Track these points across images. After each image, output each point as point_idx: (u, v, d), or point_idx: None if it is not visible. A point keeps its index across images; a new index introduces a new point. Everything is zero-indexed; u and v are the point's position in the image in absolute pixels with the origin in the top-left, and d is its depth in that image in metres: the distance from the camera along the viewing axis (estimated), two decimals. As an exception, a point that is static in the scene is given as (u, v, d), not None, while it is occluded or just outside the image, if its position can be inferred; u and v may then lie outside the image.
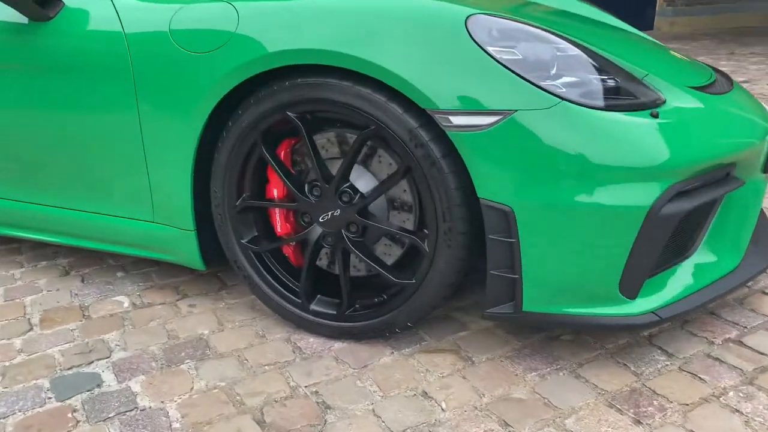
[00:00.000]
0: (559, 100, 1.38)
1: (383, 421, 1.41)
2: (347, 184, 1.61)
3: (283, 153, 1.68)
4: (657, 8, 9.42)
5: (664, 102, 1.51)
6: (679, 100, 1.56)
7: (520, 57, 1.43)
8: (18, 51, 1.82)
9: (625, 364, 1.59)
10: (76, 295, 2.02)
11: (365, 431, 1.38)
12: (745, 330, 1.73)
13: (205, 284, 2.06)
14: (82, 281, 2.11)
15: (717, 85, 1.79)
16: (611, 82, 1.48)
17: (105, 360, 1.67)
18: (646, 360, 1.61)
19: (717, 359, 1.60)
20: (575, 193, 1.39)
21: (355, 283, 1.73)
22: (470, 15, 1.44)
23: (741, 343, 1.67)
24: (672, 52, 2.04)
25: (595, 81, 1.46)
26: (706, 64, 2.04)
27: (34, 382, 1.58)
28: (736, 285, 1.65)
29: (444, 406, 1.46)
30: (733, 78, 1.99)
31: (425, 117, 1.45)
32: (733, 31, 9.69)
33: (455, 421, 1.41)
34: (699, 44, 8.14)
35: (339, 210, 1.62)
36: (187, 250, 1.83)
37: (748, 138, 1.61)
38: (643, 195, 1.40)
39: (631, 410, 1.43)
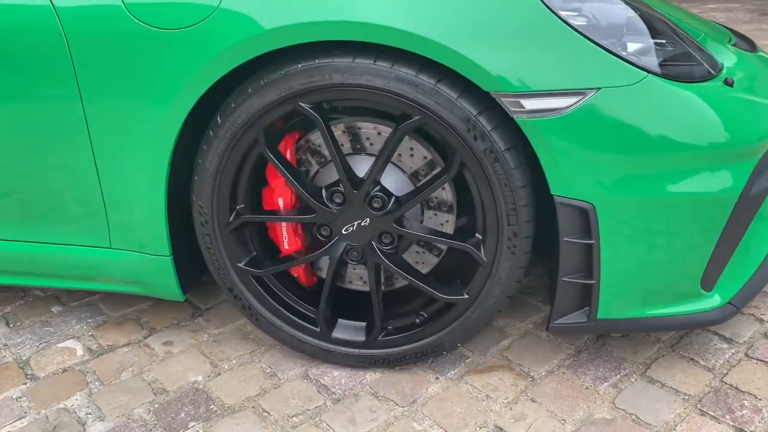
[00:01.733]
0: (646, 73, 1.16)
1: (469, 476, 1.17)
2: (378, 188, 1.31)
3: (288, 153, 1.34)
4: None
5: (723, 68, 1.33)
6: (733, 63, 1.39)
7: (594, 22, 1.18)
8: None
9: (691, 359, 1.45)
10: (6, 345, 1.58)
11: (454, 493, 1.14)
12: (786, 301, 1.64)
13: (172, 311, 1.69)
14: (8, 325, 1.66)
15: (739, 44, 1.64)
16: (681, 50, 1.28)
17: (80, 439, 1.29)
18: (710, 350, 1.47)
19: (777, 340, 1.50)
20: (666, 182, 1.18)
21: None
22: (533, -28, 1.17)
23: (790, 317, 1.58)
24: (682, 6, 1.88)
25: (669, 48, 1.25)
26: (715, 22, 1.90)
27: (-10, 487, 1.19)
28: (786, 257, 1.54)
29: (529, 443, 1.24)
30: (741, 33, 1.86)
31: (486, 101, 1.17)
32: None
33: (550, 461, 1.20)
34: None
35: (369, 219, 1.32)
36: (160, 279, 1.45)
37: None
38: (735, 177, 1.22)
39: (727, 416, 1.29)
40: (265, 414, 1.33)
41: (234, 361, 1.49)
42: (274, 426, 1.30)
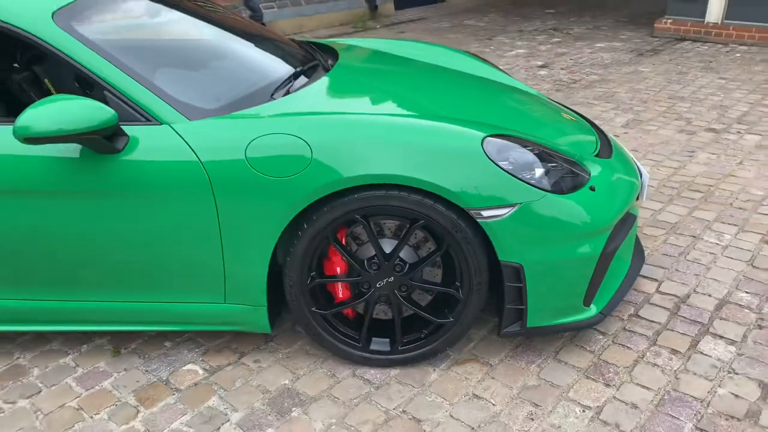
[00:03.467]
0: (544, 193, 2.12)
1: (463, 422, 2.10)
2: (398, 259, 2.21)
3: (344, 240, 2.22)
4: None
5: (590, 176, 2.32)
6: (597, 172, 2.38)
7: (515, 164, 2.13)
8: (89, 179, 2.09)
9: (582, 346, 2.44)
10: (147, 371, 2.37)
11: (456, 431, 2.06)
12: (637, 305, 2.66)
13: (250, 340, 2.52)
14: (140, 357, 2.45)
15: (603, 148, 2.63)
16: (566, 171, 2.25)
17: (228, 423, 2.12)
18: (591, 340, 2.47)
19: (630, 331, 2.51)
20: (561, 250, 2.15)
21: (390, 323, 2.34)
22: (484, 137, 2.11)
23: (638, 316, 2.60)
24: (563, 114, 2.87)
25: (558, 170, 2.22)
26: (585, 119, 2.89)
27: (186, 453, 2.00)
28: (634, 278, 2.55)
29: (493, 401, 2.18)
30: (603, 129, 2.86)
31: (461, 212, 2.10)
32: (510, 1, 11.22)
33: (506, 410, 2.14)
34: (491, 21, 9.44)
35: (393, 277, 2.22)
36: (258, 321, 2.30)
37: (632, 190, 2.47)
38: (598, 243, 2.21)
39: (600, 378, 2.27)
40: (336, 399, 2.21)
41: (305, 369, 2.35)
42: (344, 405, 2.18)
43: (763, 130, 4.59)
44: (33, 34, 2.12)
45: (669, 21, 7.91)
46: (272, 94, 2.36)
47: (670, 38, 7.85)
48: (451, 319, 2.27)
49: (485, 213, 2.08)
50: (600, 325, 2.55)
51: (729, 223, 3.27)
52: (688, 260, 2.96)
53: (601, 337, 2.49)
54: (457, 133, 2.13)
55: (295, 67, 2.64)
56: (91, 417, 2.16)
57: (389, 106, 2.41)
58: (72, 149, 2.09)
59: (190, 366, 2.39)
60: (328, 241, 2.19)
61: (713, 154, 4.20)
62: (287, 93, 2.41)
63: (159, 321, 2.35)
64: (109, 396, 2.25)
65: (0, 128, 2.12)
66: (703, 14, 7.66)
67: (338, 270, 2.27)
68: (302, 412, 2.16)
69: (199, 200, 2.10)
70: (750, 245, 3.06)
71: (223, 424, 2.12)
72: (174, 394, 2.25)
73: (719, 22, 7.57)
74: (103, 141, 2.02)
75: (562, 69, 6.57)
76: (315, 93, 2.45)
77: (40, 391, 2.28)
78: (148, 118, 2.12)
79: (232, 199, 2.10)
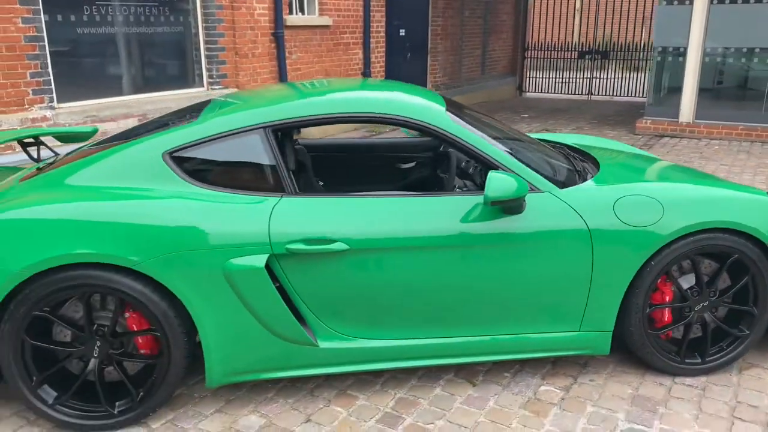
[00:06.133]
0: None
1: (787, 403, 2.79)
2: (714, 287, 2.94)
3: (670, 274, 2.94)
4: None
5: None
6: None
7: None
8: (499, 234, 2.70)
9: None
10: (515, 394, 2.89)
11: (789, 409, 2.75)
12: None
13: (570, 366, 3.11)
14: (498, 385, 2.96)
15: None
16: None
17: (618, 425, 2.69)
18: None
19: None
20: None
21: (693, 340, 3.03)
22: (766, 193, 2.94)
23: None
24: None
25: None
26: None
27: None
28: None
29: (794, 390, 2.90)
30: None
31: (763, 246, 2.87)
32: (478, 105, 12.61)
33: None
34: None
35: (708, 301, 2.94)
36: (600, 344, 2.92)
37: None
38: None
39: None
40: (679, 398, 2.84)
41: (642, 380, 2.96)
42: (690, 402, 2.81)
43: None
44: (437, 127, 2.79)
45: (648, 121, 9.40)
46: (585, 177, 3.05)
47: (651, 135, 9.31)
48: (747, 332, 2.99)
49: (775, 245, 2.88)
50: None
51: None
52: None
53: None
54: (747, 190, 2.95)
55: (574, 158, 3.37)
56: (508, 426, 2.66)
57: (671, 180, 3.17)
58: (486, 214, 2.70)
59: (544, 387, 2.94)
60: (659, 275, 2.86)
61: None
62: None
63: (517, 351, 2.90)
64: (504, 413, 2.76)
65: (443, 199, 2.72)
66: (677, 115, 9.20)
67: (666, 299, 2.96)
68: (666, 408, 2.77)
69: (582, 248, 2.76)
70: None
71: (615, 428, 2.69)
72: (556, 406, 2.79)
73: (691, 122, 9.12)
74: (521, 205, 2.67)
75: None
76: (612, 176, 3.14)
77: (443, 416, 2.75)
78: (531, 188, 2.79)
79: (605, 245, 2.77)
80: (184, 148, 2.70)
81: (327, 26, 9.55)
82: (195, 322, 2.58)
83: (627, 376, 3.02)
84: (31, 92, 5.99)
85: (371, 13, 10.30)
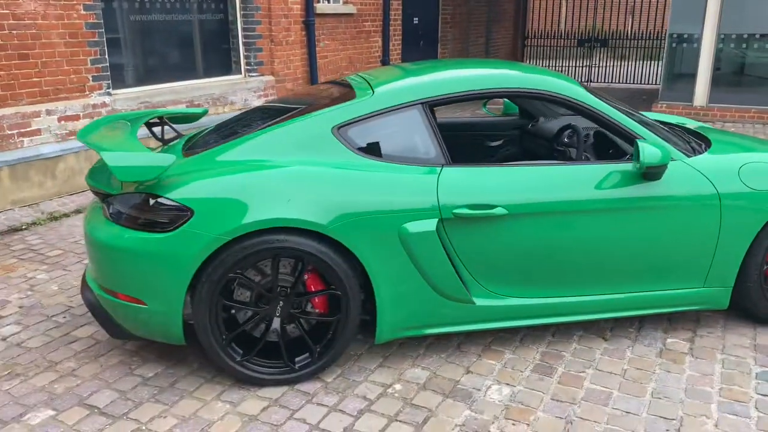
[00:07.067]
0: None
1: None
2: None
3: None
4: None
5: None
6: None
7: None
8: (641, 199, 2.96)
9: None
10: (644, 346, 3.16)
11: None
12: None
13: (683, 320, 3.39)
14: (628, 339, 3.23)
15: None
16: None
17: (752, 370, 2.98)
18: None
19: None
20: None
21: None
22: None
23: None
24: None
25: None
26: None
27: None
28: None
29: None
30: None
31: None
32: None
33: None
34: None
35: (815, 258, 3.25)
36: (720, 299, 3.20)
37: None
38: None
39: None
40: (795, 346, 3.14)
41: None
42: (805, 348, 3.11)
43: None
44: (583, 103, 3.03)
45: (664, 105, 9.77)
46: (702, 149, 3.32)
47: (666, 119, 9.66)
48: None
49: None
50: None
51: None
52: None
53: None
54: None
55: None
56: (653, 371, 2.93)
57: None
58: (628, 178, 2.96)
59: (670, 339, 3.22)
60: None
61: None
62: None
63: (648, 306, 3.17)
64: (644, 361, 3.03)
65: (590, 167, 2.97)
66: (691, 99, 9.59)
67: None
68: (788, 354, 3.07)
69: (711, 211, 3.03)
70: None
71: (750, 371, 2.97)
72: (688, 354, 3.07)
73: (705, 105, 9.51)
74: (664, 171, 2.93)
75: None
76: (725, 147, 3.40)
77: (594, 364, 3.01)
78: (663, 157, 3.05)
79: (732, 208, 3.04)
80: (350, 123, 2.90)
81: (351, 14, 9.72)
82: (372, 281, 2.79)
83: (741, 329, 3.31)
84: (91, 78, 6.09)
85: (390, 2, 10.48)
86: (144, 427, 2.56)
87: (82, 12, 5.88)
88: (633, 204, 2.96)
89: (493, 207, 2.83)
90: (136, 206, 2.71)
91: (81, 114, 5.95)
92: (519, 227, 2.89)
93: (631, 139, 3.04)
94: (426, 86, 3.00)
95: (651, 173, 2.91)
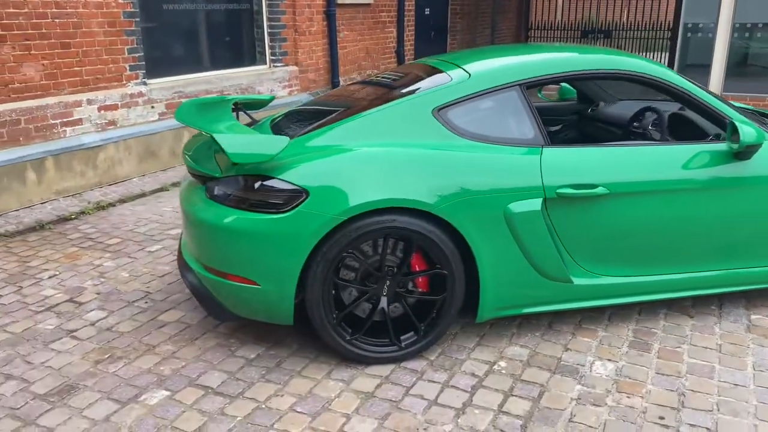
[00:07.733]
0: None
1: None
2: None
3: None
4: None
5: None
6: None
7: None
8: (730, 179, 3.03)
9: None
10: (729, 322, 3.24)
11: None
12: None
13: (759, 297, 3.47)
14: (713, 317, 3.30)
15: None
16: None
17: (839, 338, 3.06)
18: None
19: None
20: None
21: None
22: None
23: None
24: None
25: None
26: None
27: None
28: None
29: None
30: None
31: None
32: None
33: None
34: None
35: None
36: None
37: None
38: None
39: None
40: None
41: (829, 309, 3.35)
42: None
43: None
44: (677, 86, 3.09)
45: (679, 94, 9.88)
46: None
47: (681, 107, 9.79)
48: None
49: None
50: None
51: None
52: None
53: None
54: None
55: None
56: (747, 346, 3.00)
57: None
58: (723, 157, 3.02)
59: (754, 316, 3.29)
60: None
61: None
62: None
63: (738, 283, 3.23)
64: (735, 337, 3.10)
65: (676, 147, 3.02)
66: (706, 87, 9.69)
67: None
68: None
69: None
70: None
71: (838, 338, 3.06)
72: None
73: (719, 94, 9.63)
74: (756, 150, 2.99)
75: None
76: None
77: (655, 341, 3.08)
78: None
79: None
80: (450, 105, 2.93)
81: (368, 5, 9.71)
82: (476, 260, 2.83)
83: (817, 305, 3.40)
84: (128, 68, 6.05)
85: (404, -8, 10.50)
86: (264, 405, 2.59)
87: (120, 1, 5.83)
88: (725, 183, 3.02)
89: (594, 186, 2.88)
90: (246, 188, 2.72)
91: (119, 104, 5.92)
92: (618, 206, 2.94)
93: (720, 120, 3.10)
94: (523, 68, 3.04)
95: (745, 153, 2.97)
